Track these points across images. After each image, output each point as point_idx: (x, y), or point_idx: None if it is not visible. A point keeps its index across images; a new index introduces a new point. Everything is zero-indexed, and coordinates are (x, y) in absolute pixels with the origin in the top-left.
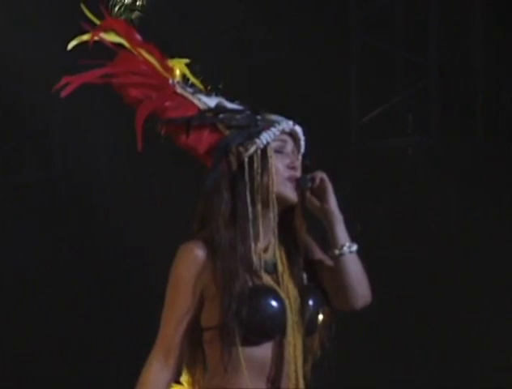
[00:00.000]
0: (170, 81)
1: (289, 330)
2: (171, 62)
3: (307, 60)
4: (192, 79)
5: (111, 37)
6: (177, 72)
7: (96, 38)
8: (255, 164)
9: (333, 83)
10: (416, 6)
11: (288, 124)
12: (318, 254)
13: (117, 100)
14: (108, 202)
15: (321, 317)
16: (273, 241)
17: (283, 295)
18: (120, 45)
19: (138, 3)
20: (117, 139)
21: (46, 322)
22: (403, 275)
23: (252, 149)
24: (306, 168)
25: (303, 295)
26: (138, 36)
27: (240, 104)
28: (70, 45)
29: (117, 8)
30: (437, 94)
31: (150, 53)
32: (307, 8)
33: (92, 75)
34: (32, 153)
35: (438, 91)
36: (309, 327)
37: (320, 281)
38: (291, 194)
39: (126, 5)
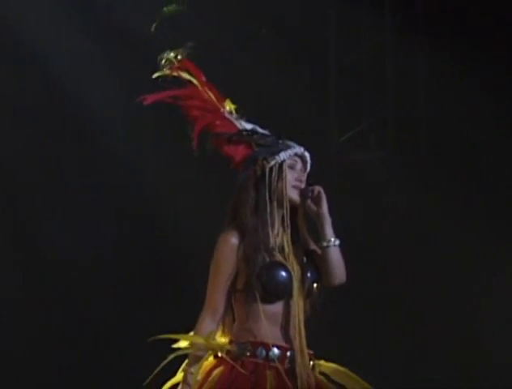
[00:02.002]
0: (221, 109)
1: (294, 293)
2: (225, 99)
3: (297, 95)
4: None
5: (184, 74)
6: (228, 107)
7: (174, 73)
8: (273, 174)
9: (316, 114)
10: (377, 57)
11: (300, 149)
12: (312, 245)
13: (172, 119)
14: (161, 202)
15: (315, 286)
16: (282, 230)
17: (290, 268)
18: (189, 81)
19: (178, 57)
20: (170, 151)
21: (110, 303)
22: (370, 263)
23: (272, 162)
24: (308, 184)
25: (303, 270)
26: (203, 77)
27: (269, 131)
28: (155, 75)
29: (163, 61)
30: (392, 121)
31: (210, 89)
32: (297, 52)
33: (168, 94)
34: (102, 161)
35: (394, 119)
36: (307, 292)
37: (314, 262)
38: (295, 198)
39: (170, 58)
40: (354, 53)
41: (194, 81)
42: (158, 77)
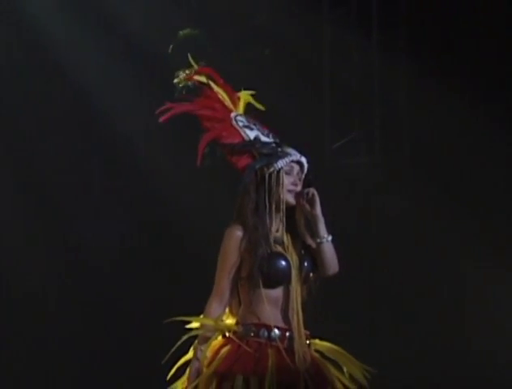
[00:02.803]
0: (231, 114)
1: (293, 280)
2: (239, 94)
3: (296, 108)
4: (252, 103)
5: (201, 78)
6: (242, 102)
7: (192, 79)
8: (272, 179)
9: (313, 124)
10: (365, 76)
11: (296, 156)
12: (309, 240)
13: (188, 127)
14: (177, 201)
15: (311, 274)
16: (281, 226)
17: (289, 258)
18: (204, 84)
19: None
20: (184, 157)
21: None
22: (360, 256)
23: (271, 169)
24: (309, 182)
25: (300, 260)
26: (221, 79)
27: (271, 136)
28: (175, 81)
29: (179, 78)
30: (379, 131)
31: (225, 90)
32: (296, 70)
33: (184, 107)
34: (124, 167)
35: (380, 129)
36: (304, 279)
37: (310, 253)
38: (291, 200)
39: (184, 75)
40: (345, 72)
41: (211, 84)
42: (177, 84)
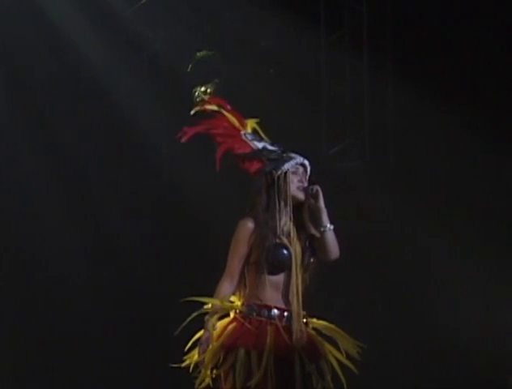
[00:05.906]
0: (241, 132)
1: (294, 267)
2: (246, 121)
3: (297, 119)
4: (257, 129)
5: (212, 107)
6: (249, 126)
7: (204, 108)
8: (280, 180)
9: (312, 133)
10: (357, 91)
11: (300, 159)
12: (312, 230)
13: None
14: (198, 201)
15: (312, 261)
16: (289, 221)
17: (291, 249)
18: (217, 112)
19: (208, 91)
20: (203, 161)
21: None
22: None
23: (279, 172)
24: (312, 181)
25: (303, 250)
26: (228, 106)
27: (276, 145)
28: (192, 112)
29: (196, 93)
30: (369, 139)
31: (233, 115)
32: (297, 87)
33: (200, 128)
34: (149, 169)
35: (370, 138)
36: (305, 267)
37: (313, 244)
38: (299, 196)
39: (202, 91)
40: (340, 88)
41: (222, 110)
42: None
